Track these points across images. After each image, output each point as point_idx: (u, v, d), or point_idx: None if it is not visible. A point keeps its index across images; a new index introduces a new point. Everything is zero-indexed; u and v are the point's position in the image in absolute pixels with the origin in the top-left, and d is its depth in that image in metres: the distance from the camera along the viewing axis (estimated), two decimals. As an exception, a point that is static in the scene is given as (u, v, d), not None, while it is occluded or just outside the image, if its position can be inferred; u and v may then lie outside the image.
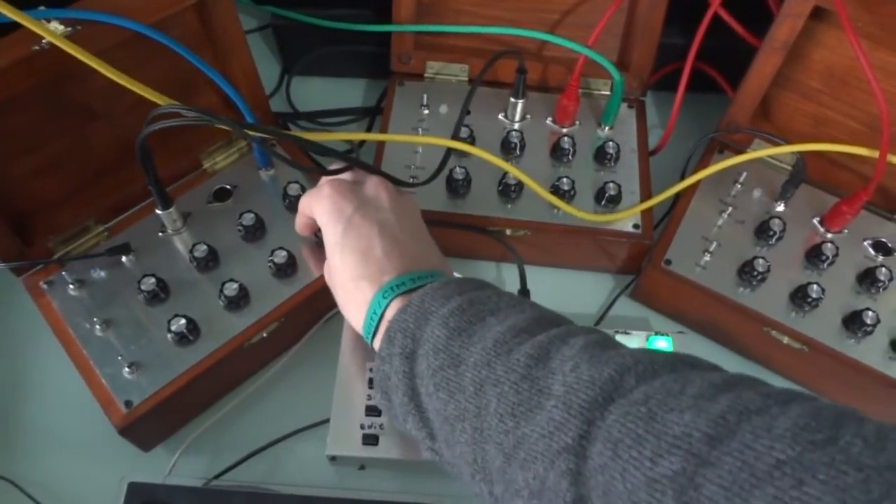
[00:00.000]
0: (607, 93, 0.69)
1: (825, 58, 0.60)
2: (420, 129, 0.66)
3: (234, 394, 0.58)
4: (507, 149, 0.65)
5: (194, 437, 0.54)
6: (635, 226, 0.62)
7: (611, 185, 0.61)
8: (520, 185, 0.61)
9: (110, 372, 0.52)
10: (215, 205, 0.60)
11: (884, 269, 0.57)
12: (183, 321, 0.52)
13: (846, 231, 0.61)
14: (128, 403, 0.50)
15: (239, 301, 0.54)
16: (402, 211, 0.48)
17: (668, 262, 0.60)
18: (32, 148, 0.53)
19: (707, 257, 0.59)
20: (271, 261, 0.55)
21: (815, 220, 0.62)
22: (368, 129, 0.74)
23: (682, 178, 0.66)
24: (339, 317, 0.56)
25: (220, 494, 0.51)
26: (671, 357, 0.35)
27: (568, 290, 0.65)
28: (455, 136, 0.60)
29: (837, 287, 0.58)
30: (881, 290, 0.57)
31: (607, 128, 0.67)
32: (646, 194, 0.63)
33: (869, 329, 0.55)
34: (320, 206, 0.47)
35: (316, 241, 0.57)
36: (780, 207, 0.62)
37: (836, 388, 0.59)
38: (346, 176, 0.50)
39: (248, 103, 0.56)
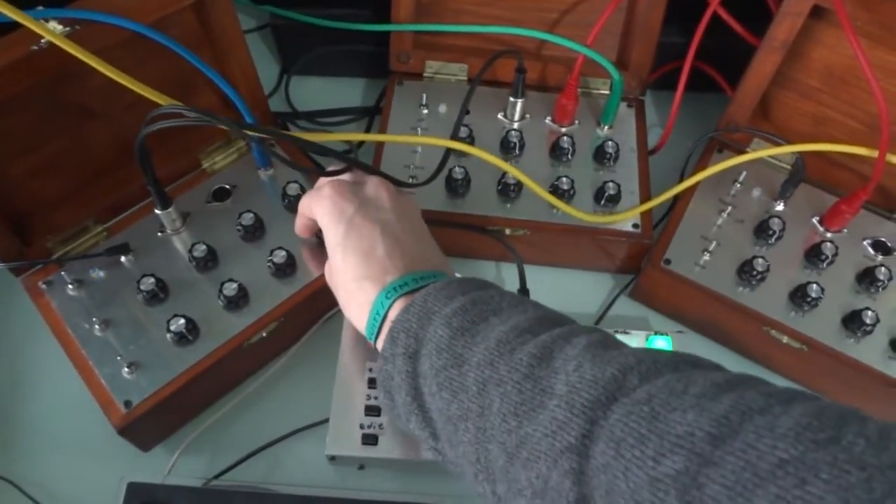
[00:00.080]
0: (606, 92, 0.69)
1: (824, 57, 0.60)
2: (419, 129, 0.66)
3: (233, 394, 0.58)
4: (506, 148, 0.65)
5: (194, 437, 0.54)
6: (635, 225, 0.62)
7: (610, 184, 0.61)
8: (519, 185, 0.61)
9: (109, 372, 0.51)
10: (214, 204, 0.60)
11: (883, 269, 0.57)
12: (182, 321, 0.52)
13: (845, 230, 0.61)
14: (127, 403, 0.50)
15: (238, 301, 0.54)
16: (402, 211, 0.48)
17: (668, 261, 0.60)
18: (31, 148, 0.53)
19: (706, 257, 0.59)
20: (270, 260, 0.55)
21: (815, 220, 0.62)
22: (368, 129, 0.74)
23: (682, 177, 0.66)
24: (338, 316, 0.57)
25: (220, 494, 0.51)
26: (674, 356, 0.35)
27: (567, 290, 0.65)
28: (454, 136, 0.60)
29: (837, 286, 0.58)
30: (880, 289, 0.57)
31: (606, 127, 0.67)
32: (645, 194, 0.63)
33: (868, 328, 0.55)
34: (321, 207, 0.47)
35: (316, 241, 0.57)
36: (780, 207, 0.62)
37: (835, 388, 0.59)
38: (345, 177, 0.50)
39: (247, 103, 0.56)
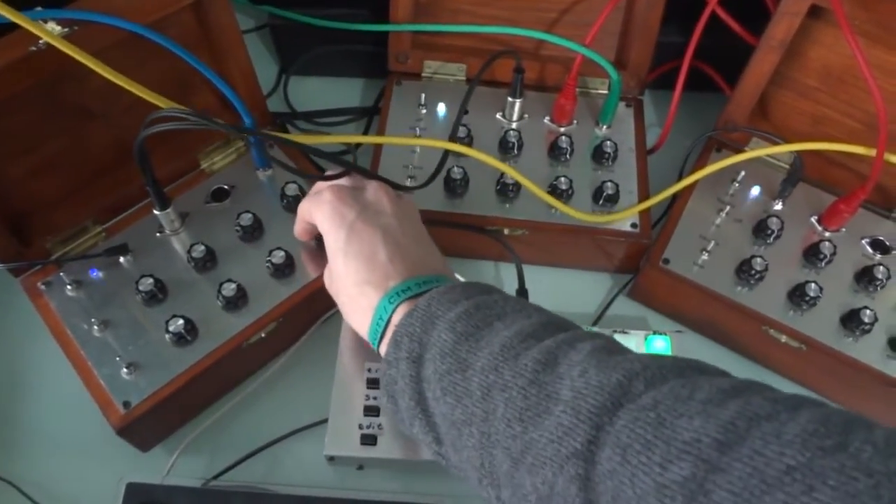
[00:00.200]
0: (605, 92, 0.69)
1: (822, 56, 0.60)
2: (418, 129, 0.66)
3: (232, 394, 0.58)
4: (504, 148, 0.65)
5: (193, 438, 0.54)
6: (633, 225, 0.62)
7: (608, 184, 0.61)
8: (518, 185, 0.61)
9: (108, 372, 0.51)
10: (213, 205, 0.60)
11: (881, 268, 0.57)
12: (181, 321, 0.52)
13: (844, 230, 0.61)
14: (126, 404, 0.50)
15: (237, 301, 0.54)
16: (403, 215, 0.48)
17: (666, 261, 0.60)
18: (30, 148, 0.53)
19: (705, 256, 0.59)
20: (269, 261, 0.55)
21: (813, 219, 0.62)
22: (366, 129, 0.74)
23: (680, 176, 0.66)
24: (337, 317, 0.57)
25: (219, 495, 0.51)
26: (679, 362, 0.35)
27: (566, 290, 0.65)
28: (453, 136, 0.60)
29: (835, 285, 0.58)
30: (879, 288, 0.58)
31: (605, 127, 0.67)
32: (644, 193, 0.63)
33: (867, 327, 0.55)
34: (321, 213, 0.47)
35: (315, 244, 0.57)
36: (778, 206, 0.62)
37: (834, 387, 0.59)
38: (344, 181, 0.50)
39: (246, 103, 0.56)
